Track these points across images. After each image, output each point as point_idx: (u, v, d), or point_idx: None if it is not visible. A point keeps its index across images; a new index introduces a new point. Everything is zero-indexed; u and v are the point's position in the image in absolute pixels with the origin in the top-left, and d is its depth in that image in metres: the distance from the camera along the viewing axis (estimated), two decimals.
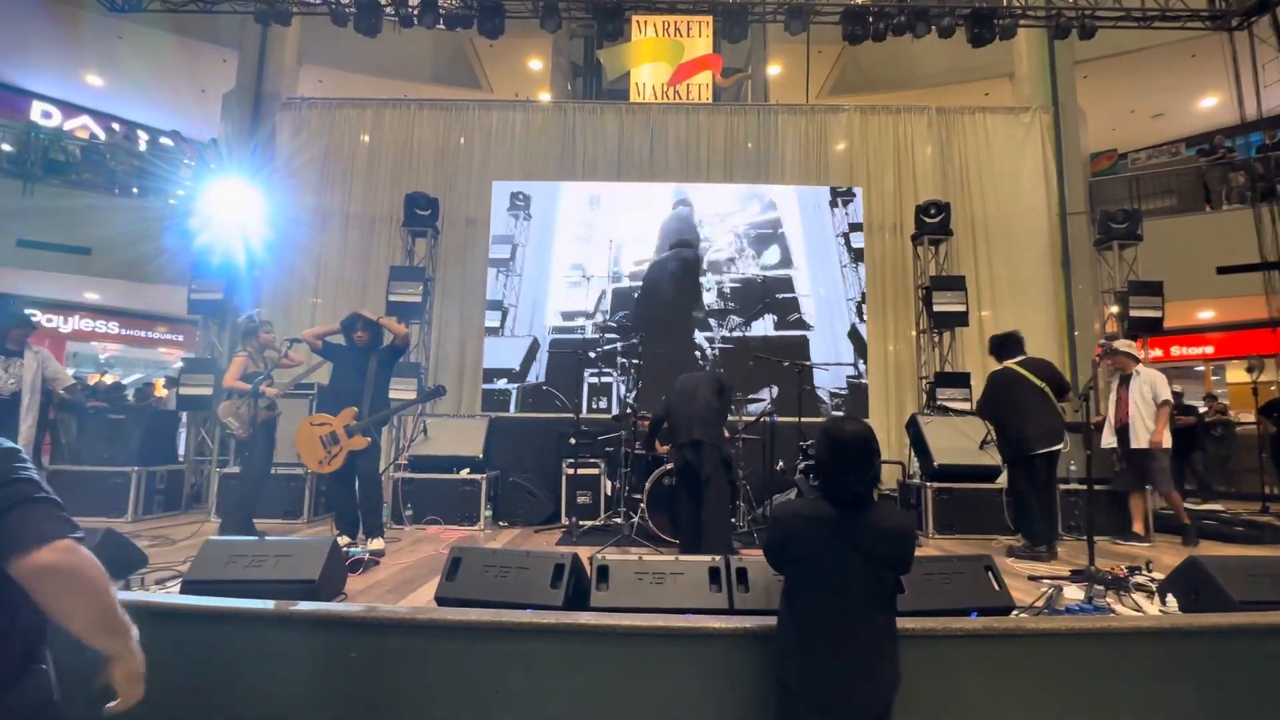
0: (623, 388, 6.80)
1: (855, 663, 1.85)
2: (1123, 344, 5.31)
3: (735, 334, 7.00)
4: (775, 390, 6.56)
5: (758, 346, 6.76)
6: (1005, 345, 4.85)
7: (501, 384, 6.86)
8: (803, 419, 5.53)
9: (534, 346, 6.94)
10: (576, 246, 7.22)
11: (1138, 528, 5.05)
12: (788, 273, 7.13)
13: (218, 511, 5.58)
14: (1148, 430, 4.95)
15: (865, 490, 1.88)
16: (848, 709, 1.83)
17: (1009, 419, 4.59)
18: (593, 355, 6.79)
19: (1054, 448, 4.49)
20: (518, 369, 6.89)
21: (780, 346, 6.81)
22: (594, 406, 6.74)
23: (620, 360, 6.88)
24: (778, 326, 6.99)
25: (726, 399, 4.49)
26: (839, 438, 1.91)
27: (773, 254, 7.19)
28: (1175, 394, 6.09)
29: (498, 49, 10.55)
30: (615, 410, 6.57)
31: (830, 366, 6.85)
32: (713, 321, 7.05)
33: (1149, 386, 5.03)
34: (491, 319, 7.07)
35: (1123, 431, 5.12)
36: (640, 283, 7.12)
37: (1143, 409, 5.01)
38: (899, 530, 1.91)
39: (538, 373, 6.88)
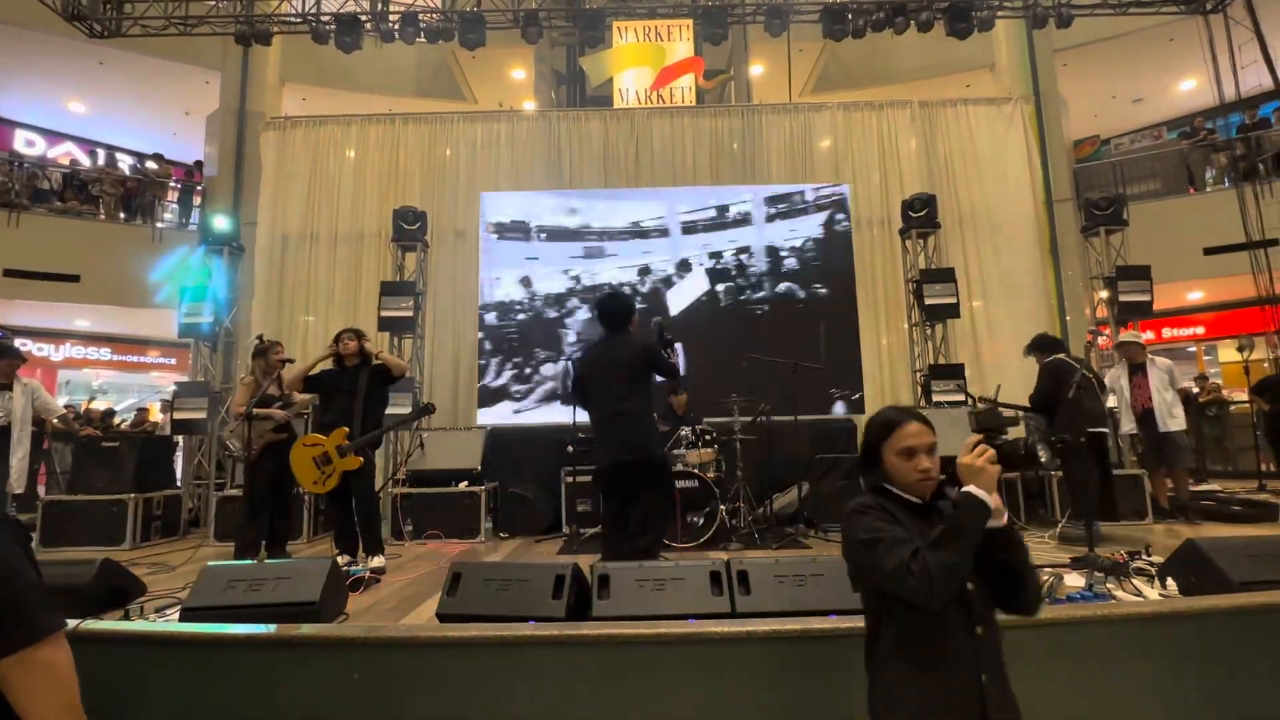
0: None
1: None
2: (1128, 335, 5.56)
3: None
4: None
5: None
6: (1054, 343, 5.11)
7: None
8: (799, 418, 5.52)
9: None
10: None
11: (1169, 503, 5.27)
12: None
13: (217, 535, 5.56)
14: (1172, 415, 5.17)
15: None
16: None
17: (1064, 405, 4.72)
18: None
19: (1102, 429, 4.76)
20: None
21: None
22: None
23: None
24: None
25: (660, 367, 3.65)
26: None
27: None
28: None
29: (480, 60, 10.57)
30: None
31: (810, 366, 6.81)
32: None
33: (1166, 374, 5.28)
34: None
35: (1145, 417, 5.30)
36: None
37: (1165, 395, 5.22)
38: None
39: None
